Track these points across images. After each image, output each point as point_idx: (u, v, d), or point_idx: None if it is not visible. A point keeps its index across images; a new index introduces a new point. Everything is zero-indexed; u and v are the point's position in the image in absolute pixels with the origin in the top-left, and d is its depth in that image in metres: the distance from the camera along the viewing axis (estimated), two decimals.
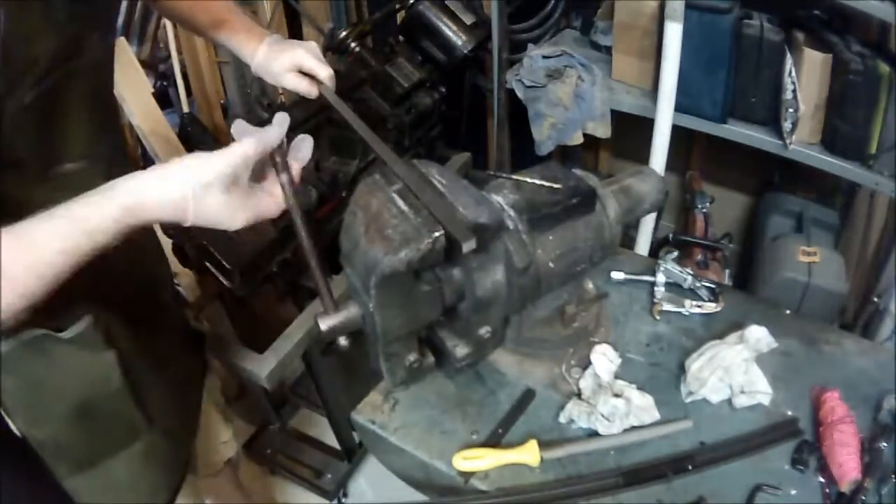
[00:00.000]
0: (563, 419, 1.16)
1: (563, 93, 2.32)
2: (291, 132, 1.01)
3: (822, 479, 1.07)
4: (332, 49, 2.21)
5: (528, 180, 1.15)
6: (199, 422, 1.56)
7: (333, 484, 2.31)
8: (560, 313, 1.24)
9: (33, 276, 0.81)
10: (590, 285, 1.32)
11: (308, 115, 1.97)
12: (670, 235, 2.27)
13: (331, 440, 2.33)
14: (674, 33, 1.95)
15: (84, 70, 1.04)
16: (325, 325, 1.04)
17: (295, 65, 1.38)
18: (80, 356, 1.11)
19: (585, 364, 1.21)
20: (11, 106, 0.93)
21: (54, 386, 1.12)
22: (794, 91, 1.95)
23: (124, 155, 1.40)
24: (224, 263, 1.65)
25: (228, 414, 1.78)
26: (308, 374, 2.13)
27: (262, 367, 1.79)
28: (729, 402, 1.19)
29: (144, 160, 2.46)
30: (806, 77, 1.94)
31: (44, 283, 0.82)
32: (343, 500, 2.33)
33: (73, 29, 0.99)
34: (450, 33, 2.23)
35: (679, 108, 2.09)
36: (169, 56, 2.75)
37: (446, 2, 2.25)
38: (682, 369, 1.22)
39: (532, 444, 1.09)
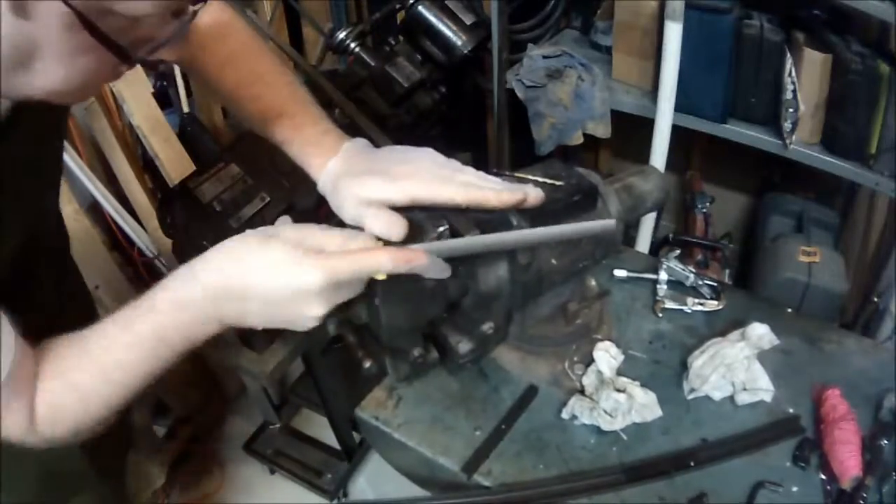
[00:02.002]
0: (565, 415, 1.17)
1: (563, 93, 2.32)
2: None
3: (823, 477, 1.07)
4: (333, 49, 2.21)
5: (530, 177, 1.15)
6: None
7: (333, 484, 2.31)
8: (562, 310, 1.24)
9: (111, 406, 0.83)
10: (592, 283, 1.32)
11: None
12: (670, 235, 2.27)
13: (331, 440, 2.33)
14: (674, 33, 1.95)
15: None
16: (329, 319, 1.04)
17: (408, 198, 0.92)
18: None
19: (588, 361, 1.22)
20: None
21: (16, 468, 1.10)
22: (794, 91, 1.96)
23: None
24: None
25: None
26: (308, 374, 2.14)
27: (262, 367, 1.80)
28: (731, 399, 1.19)
29: (144, 160, 2.46)
30: (806, 77, 1.94)
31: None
32: (343, 500, 2.33)
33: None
34: (450, 33, 2.24)
35: (679, 108, 2.09)
36: None
37: (446, 2, 2.25)
38: (684, 366, 1.22)
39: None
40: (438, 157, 0.97)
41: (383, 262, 0.79)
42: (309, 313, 0.80)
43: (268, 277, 0.77)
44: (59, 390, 0.79)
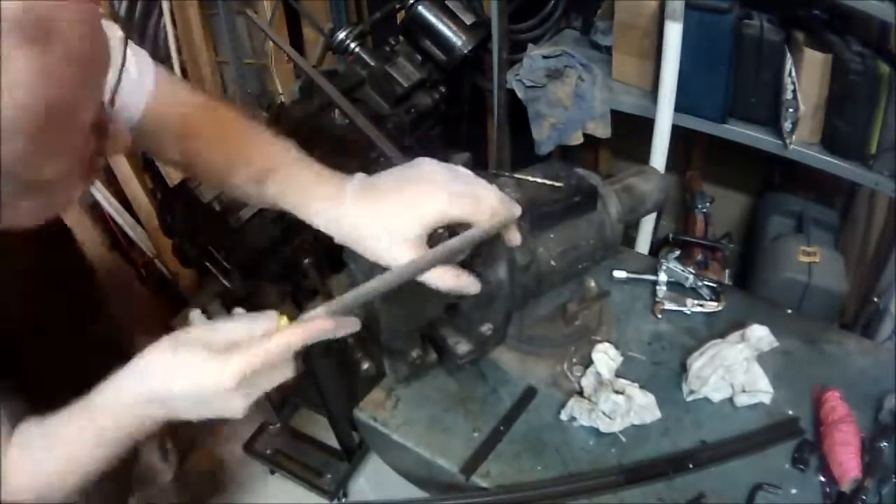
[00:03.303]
0: (564, 416, 1.17)
1: (563, 93, 2.32)
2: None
3: (822, 479, 1.07)
4: (333, 49, 2.21)
5: (530, 178, 1.15)
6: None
7: (333, 484, 2.30)
8: (562, 311, 1.24)
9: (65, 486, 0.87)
10: (592, 284, 1.32)
11: (308, 114, 1.98)
12: (670, 235, 2.27)
13: (331, 440, 2.33)
14: (674, 33, 1.95)
15: None
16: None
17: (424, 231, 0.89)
18: None
19: (587, 362, 1.22)
20: None
21: None
22: (794, 91, 1.95)
23: None
24: (224, 263, 1.65)
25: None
26: (308, 374, 2.14)
27: None
28: (730, 400, 1.19)
29: (144, 160, 2.47)
30: (806, 77, 1.94)
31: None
32: (343, 500, 2.32)
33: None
34: (450, 33, 2.23)
35: (679, 108, 2.09)
36: (169, 56, 2.75)
37: (446, 2, 2.24)
38: (683, 368, 1.22)
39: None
40: (438, 166, 0.93)
41: (293, 343, 0.81)
42: (233, 408, 0.82)
43: (184, 383, 0.80)
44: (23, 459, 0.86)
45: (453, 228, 0.91)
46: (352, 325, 0.88)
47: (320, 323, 0.82)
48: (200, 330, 0.85)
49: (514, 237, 0.98)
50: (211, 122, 1.04)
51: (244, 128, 1.03)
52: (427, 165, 0.92)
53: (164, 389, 0.81)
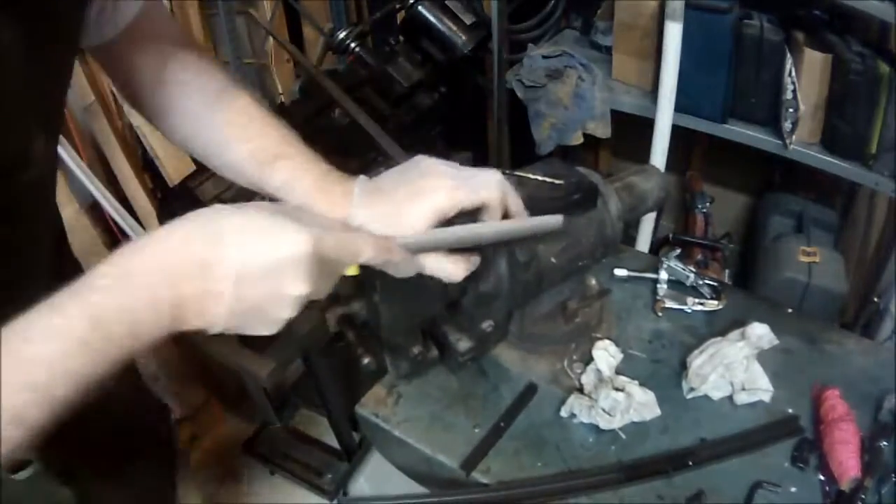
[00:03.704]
0: (564, 413, 1.17)
1: (563, 93, 2.32)
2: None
3: (822, 477, 1.07)
4: (333, 49, 2.21)
5: (531, 176, 1.15)
6: None
7: (333, 484, 2.30)
8: (562, 309, 1.25)
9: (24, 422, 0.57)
10: (592, 281, 1.32)
11: (308, 114, 1.98)
12: (670, 235, 2.28)
13: (331, 440, 2.33)
14: (674, 33, 1.95)
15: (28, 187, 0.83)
16: (330, 316, 1.04)
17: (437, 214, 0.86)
18: (32, 494, 1.03)
19: (587, 359, 1.22)
20: None
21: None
22: (794, 91, 1.96)
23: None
24: None
25: None
26: (308, 374, 2.13)
27: (262, 367, 1.78)
28: (730, 398, 1.19)
29: (144, 160, 2.47)
30: (806, 77, 1.94)
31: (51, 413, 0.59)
32: (343, 499, 2.32)
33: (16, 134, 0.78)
34: (450, 33, 2.23)
35: (679, 108, 2.09)
36: None
37: (446, 2, 2.25)
38: (683, 366, 1.22)
39: None
40: (437, 161, 0.92)
41: (365, 248, 0.74)
42: (290, 290, 0.68)
43: (244, 243, 0.66)
44: None
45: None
46: (414, 269, 0.83)
47: (393, 247, 0.78)
48: (267, 203, 0.75)
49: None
50: (205, 76, 0.96)
51: (248, 100, 0.97)
52: (425, 161, 0.91)
53: (211, 250, 0.65)
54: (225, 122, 0.94)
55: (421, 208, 0.85)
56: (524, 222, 0.94)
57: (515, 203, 0.93)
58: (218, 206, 0.68)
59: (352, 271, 0.76)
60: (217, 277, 0.64)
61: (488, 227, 0.90)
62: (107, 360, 0.61)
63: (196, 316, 0.65)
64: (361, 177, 0.94)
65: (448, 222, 0.87)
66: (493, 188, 0.89)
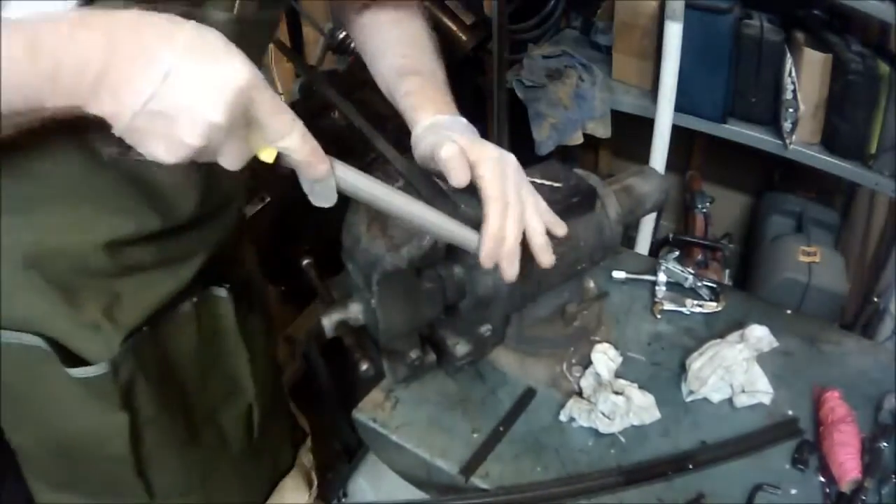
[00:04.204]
0: (563, 417, 1.16)
1: (563, 93, 2.32)
2: None
3: (822, 479, 1.07)
4: (333, 49, 2.21)
5: (529, 179, 1.15)
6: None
7: (333, 484, 2.30)
8: (561, 312, 1.24)
9: None
10: (591, 284, 1.32)
11: (308, 114, 1.97)
12: (670, 235, 2.27)
13: (331, 440, 2.33)
14: (674, 33, 1.95)
15: None
16: (327, 321, 1.04)
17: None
18: (83, 402, 0.94)
19: (586, 363, 1.21)
20: None
21: (35, 409, 0.97)
22: (794, 91, 1.96)
23: None
24: None
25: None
26: (307, 375, 2.13)
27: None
28: (730, 401, 1.19)
29: None
30: (806, 77, 1.94)
31: None
32: (343, 500, 2.32)
33: None
34: (450, 33, 2.23)
35: (679, 108, 2.09)
36: None
37: (446, 2, 2.24)
38: (682, 368, 1.22)
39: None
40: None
41: (294, 133, 0.71)
42: (207, 113, 0.64)
43: (191, 49, 0.64)
44: None
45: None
46: (327, 198, 0.79)
47: (321, 157, 0.75)
48: None
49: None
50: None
51: (419, 27, 1.19)
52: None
53: (163, 41, 0.64)
54: (397, 39, 1.15)
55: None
56: (444, 221, 0.91)
57: (494, 185, 0.92)
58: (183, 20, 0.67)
59: (267, 155, 0.72)
60: (149, 62, 0.63)
61: (409, 205, 0.87)
62: (25, 85, 0.62)
63: (112, 94, 0.64)
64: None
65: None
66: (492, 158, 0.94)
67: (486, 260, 0.91)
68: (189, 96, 0.64)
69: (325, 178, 0.76)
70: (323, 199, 0.79)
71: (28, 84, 0.62)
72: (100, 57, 0.62)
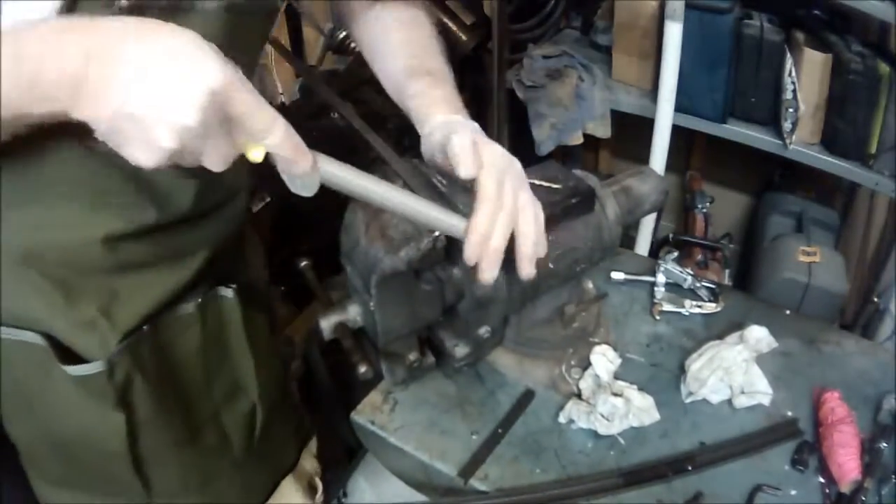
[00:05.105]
0: (562, 419, 1.16)
1: (563, 93, 2.32)
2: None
3: (822, 480, 1.07)
4: (333, 49, 2.21)
5: (527, 180, 1.15)
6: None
7: (333, 484, 2.30)
8: (560, 313, 1.24)
9: None
10: (589, 285, 1.32)
11: (308, 114, 1.98)
12: (670, 235, 2.28)
13: (330, 440, 2.32)
14: (674, 33, 1.95)
15: None
16: (325, 323, 1.04)
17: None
18: (80, 399, 0.95)
19: (585, 364, 1.21)
20: None
21: (33, 404, 0.98)
22: (794, 91, 1.95)
23: None
24: None
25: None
26: (307, 376, 2.13)
27: None
28: (729, 402, 1.18)
29: None
30: (806, 77, 1.94)
31: None
32: (343, 500, 2.32)
33: None
34: (450, 33, 2.23)
35: (679, 108, 2.09)
36: None
37: (446, 2, 2.24)
38: (682, 369, 1.22)
39: None
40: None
41: (277, 130, 0.70)
42: (178, 116, 0.64)
43: (164, 53, 0.64)
44: None
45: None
46: (310, 188, 0.78)
47: (305, 152, 0.74)
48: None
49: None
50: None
51: (427, 32, 1.17)
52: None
53: (139, 44, 0.64)
54: (407, 39, 1.14)
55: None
56: (429, 209, 0.90)
57: (488, 180, 0.92)
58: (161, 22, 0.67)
59: (253, 154, 0.72)
60: (123, 66, 0.63)
61: (393, 193, 0.86)
62: (12, 92, 0.63)
63: (90, 99, 0.65)
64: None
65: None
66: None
67: (469, 252, 0.90)
68: (161, 99, 0.64)
69: (309, 173, 0.75)
70: (304, 188, 0.78)
71: (14, 91, 0.63)
72: (78, 64, 0.63)
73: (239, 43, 0.79)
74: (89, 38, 0.64)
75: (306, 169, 0.74)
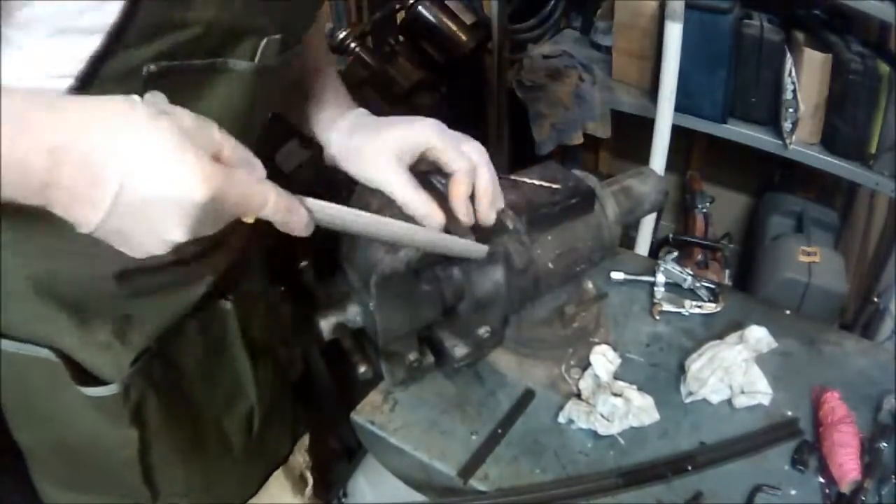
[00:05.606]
0: (562, 419, 1.16)
1: (563, 93, 2.32)
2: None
3: (822, 480, 1.07)
4: (333, 49, 2.21)
5: (527, 180, 1.15)
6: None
7: (333, 484, 2.30)
8: (559, 314, 1.24)
9: None
10: (589, 285, 1.32)
11: None
12: (670, 235, 2.28)
13: (330, 440, 2.32)
14: (674, 33, 1.95)
15: None
16: (325, 324, 1.04)
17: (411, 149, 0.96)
18: (94, 417, 0.96)
19: (585, 364, 1.21)
20: None
21: (45, 416, 0.99)
22: (794, 91, 1.96)
23: None
24: None
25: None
26: (306, 375, 2.13)
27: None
28: (729, 402, 1.18)
29: None
30: (806, 77, 1.94)
31: None
32: (343, 500, 2.32)
33: None
34: (450, 33, 2.23)
35: (679, 108, 2.09)
36: None
37: (446, 2, 2.24)
38: (681, 370, 1.22)
39: None
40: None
41: (267, 204, 0.68)
42: (166, 234, 0.62)
43: (140, 166, 0.59)
44: None
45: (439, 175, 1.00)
46: (306, 229, 0.75)
47: (299, 209, 0.72)
48: (192, 118, 0.64)
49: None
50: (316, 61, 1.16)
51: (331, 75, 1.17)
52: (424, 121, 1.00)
53: (102, 157, 0.58)
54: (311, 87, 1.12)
55: (399, 135, 0.96)
56: (444, 239, 0.94)
57: (486, 179, 0.98)
58: (136, 104, 0.61)
59: (248, 219, 0.71)
60: (96, 182, 0.59)
61: (404, 229, 0.88)
62: None
63: (64, 210, 0.61)
64: (360, 109, 1.11)
65: (421, 177, 0.96)
66: (474, 150, 0.99)
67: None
68: (146, 217, 0.61)
69: (306, 227, 0.74)
70: (297, 232, 0.78)
71: None
72: (42, 167, 0.58)
73: (265, 99, 0.79)
74: (54, 137, 0.58)
75: (300, 227, 0.73)
